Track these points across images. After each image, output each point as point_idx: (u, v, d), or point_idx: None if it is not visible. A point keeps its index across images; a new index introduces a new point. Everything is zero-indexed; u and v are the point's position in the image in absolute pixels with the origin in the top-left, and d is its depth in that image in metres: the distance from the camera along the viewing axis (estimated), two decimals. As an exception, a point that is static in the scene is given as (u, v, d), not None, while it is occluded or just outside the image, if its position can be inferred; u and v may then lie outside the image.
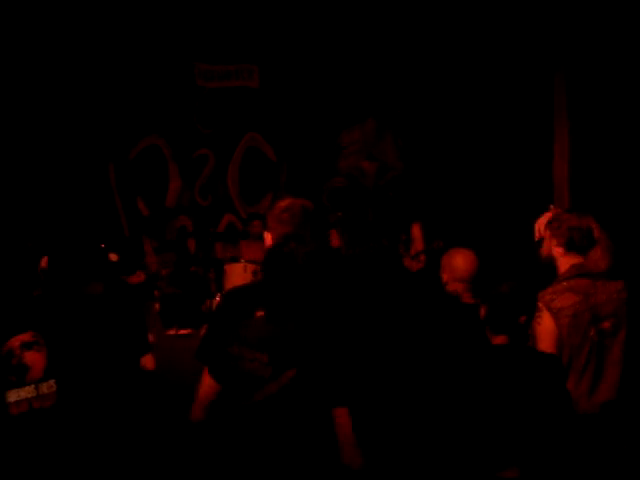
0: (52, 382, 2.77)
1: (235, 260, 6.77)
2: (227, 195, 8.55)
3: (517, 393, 2.79)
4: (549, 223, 3.60)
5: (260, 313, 2.76)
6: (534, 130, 7.31)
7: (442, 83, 7.99)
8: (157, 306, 3.86)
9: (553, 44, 7.15)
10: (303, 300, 2.74)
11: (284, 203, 3.21)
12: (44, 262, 3.28)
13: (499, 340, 2.95)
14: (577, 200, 7.03)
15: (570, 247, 3.48)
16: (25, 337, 2.76)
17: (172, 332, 3.56)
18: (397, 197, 8.49)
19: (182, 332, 3.56)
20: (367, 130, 9.01)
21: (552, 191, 7.22)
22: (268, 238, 3.18)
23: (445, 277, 3.84)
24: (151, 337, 3.60)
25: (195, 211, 8.37)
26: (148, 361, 3.39)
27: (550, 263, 3.55)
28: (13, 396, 2.72)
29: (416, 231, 7.60)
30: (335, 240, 4.78)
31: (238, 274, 6.48)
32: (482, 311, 3.02)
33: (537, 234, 3.72)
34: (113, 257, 4.95)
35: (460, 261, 3.82)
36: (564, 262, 3.49)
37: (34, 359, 2.76)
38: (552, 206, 3.91)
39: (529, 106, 7.30)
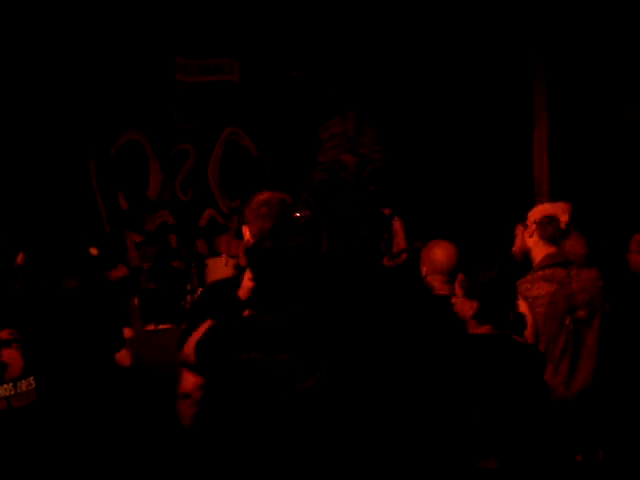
0: (31, 379, 2.76)
1: (216, 254, 6.76)
2: (208, 190, 8.52)
3: (497, 383, 2.81)
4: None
5: (253, 314, 2.71)
6: (514, 123, 7.34)
7: (422, 77, 8.00)
8: (136, 301, 3.85)
9: (532, 37, 7.17)
10: (298, 296, 2.70)
11: (262, 197, 3.18)
12: (20, 258, 3.26)
13: (483, 330, 2.96)
14: (557, 192, 7.08)
15: (544, 237, 3.52)
16: (2, 334, 2.74)
17: (151, 327, 3.55)
18: (378, 190, 8.50)
19: (161, 327, 3.54)
20: (347, 124, 9.01)
21: (532, 183, 7.26)
22: (246, 232, 3.16)
23: (424, 270, 3.85)
24: (130, 332, 3.59)
25: (176, 206, 8.34)
26: (123, 357, 3.38)
27: (525, 254, 3.58)
28: (-9, 394, 2.70)
29: (397, 226, 7.63)
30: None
31: (220, 268, 6.47)
32: (454, 300, 3.04)
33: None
34: (93, 251, 4.93)
35: (439, 254, 3.81)
36: (539, 252, 3.52)
37: (12, 357, 2.75)
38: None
39: (509, 99, 7.33)
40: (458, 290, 3.02)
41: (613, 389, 3.57)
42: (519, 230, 3.63)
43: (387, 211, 6.56)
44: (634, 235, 4.37)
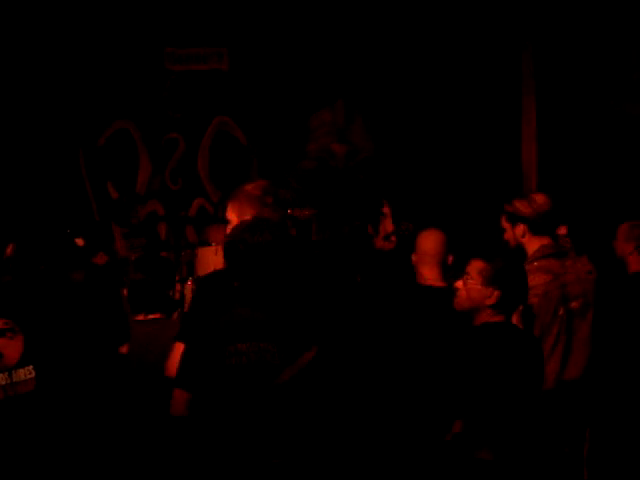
0: (30, 368, 2.77)
1: (206, 244, 6.77)
2: (198, 179, 8.52)
3: (507, 373, 2.78)
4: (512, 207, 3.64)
5: (240, 305, 2.72)
6: (502, 112, 7.37)
7: (410, 65, 8.02)
8: (125, 291, 3.86)
9: (522, 27, 7.20)
10: (275, 288, 2.72)
11: (250, 185, 3.19)
12: (10, 249, 3.27)
13: (498, 318, 2.89)
14: (544, 182, 7.12)
15: (536, 229, 3.55)
16: (-4, 324, 2.76)
17: (141, 317, 3.56)
18: (367, 179, 8.53)
19: (151, 317, 3.55)
20: (337, 112, 9.01)
21: (520, 173, 7.31)
22: (234, 219, 3.14)
23: (414, 258, 3.90)
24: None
25: (165, 195, 8.34)
26: (125, 349, 3.40)
27: (518, 245, 3.61)
28: (-14, 384, 2.72)
29: (385, 210, 7.65)
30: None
31: (210, 258, 6.48)
32: (468, 286, 3.00)
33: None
34: (79, 242, 4.93)
35: (427, 241, 3.87)
36: (533, 243, 3.55)
37: (6, 346, 2.76)
38: None
39: (497, 88, 7.36)
40: (476, 277, 2.91)
41: (603, 380, 3.61)
42: (504, 222, 3.66)
43: (409, 227, 6.61)
44: (620, 224, 4.41)
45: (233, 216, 3.16)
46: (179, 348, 2.91)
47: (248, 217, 3.06)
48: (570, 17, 6.78)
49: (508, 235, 3.66)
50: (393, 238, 7.05)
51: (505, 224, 3.68)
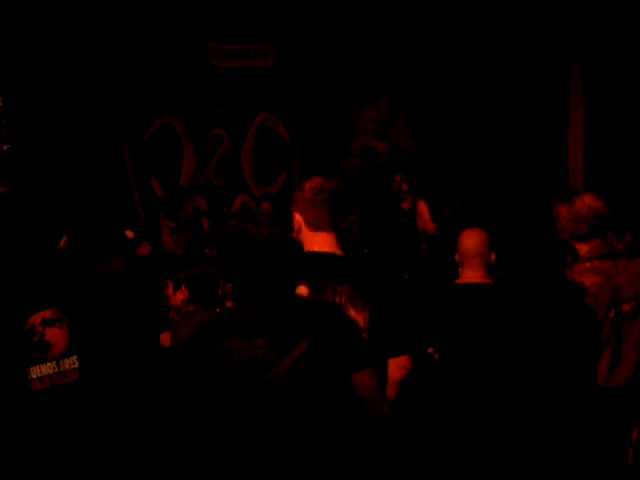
0: (74, 358, 2.80)
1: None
2: (241, 175, 8.57)
3: None
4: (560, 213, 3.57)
5: (230, 303, 2.70)
6: (549, 113, 7.30)
7: (457, 64, 7.97)
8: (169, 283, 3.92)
9: (569, 28, 7.12)
10: (271, 287, 2.69)
11: (314, 183, 2.99)
12: (63, 242, 3.31)
13: None
14: (591, 182, 7.04)
15: (585, 236, 3.48)
16: (46, 314, 2.79)
17: (191, 308, 3.61)
18: (410, 177, 8.50)
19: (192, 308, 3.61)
20: (380, 111, 9.00)
21: (567, 174, 7.23)
22: (299, 220, 2.98)
23: (457, 257, 3.87)
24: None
25: (209, 191, 8.39)
26: (165, 338, 3.42)
27: (569, 245, 3.55)
28: (35, 372, 2.75)
29: (422, 207, 7.61)
30: None
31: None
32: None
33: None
34: (129, 234, 4.98)
35: (469, 240, 3.84)
36: (584, 246, 3.48)
37: (55, 336, 2.79)
38: None
39: (544, 89, 7.29)
40: None
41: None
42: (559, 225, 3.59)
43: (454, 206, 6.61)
44: None
45: (301, 215, 3.00)
46: None
47: (296, 213, 3.01)
48: (617, 18, 6.70)
49: (561, 237, 3.59)
50: (431, 228, 7.02)
51: (556, 226, 3.62)
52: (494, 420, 3.23)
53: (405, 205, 7.53)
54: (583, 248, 3.48)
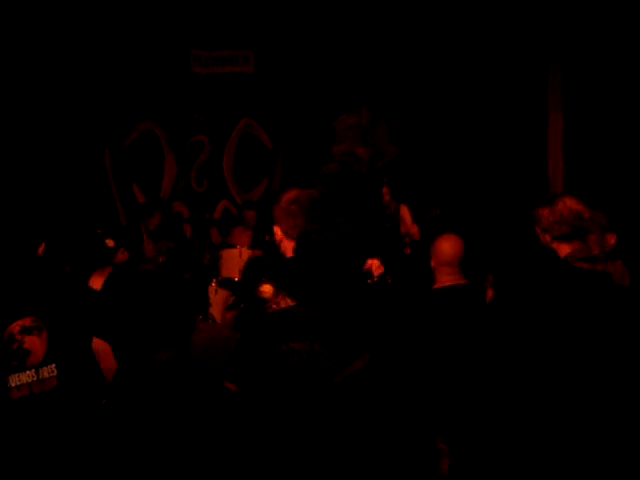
0: (53, 366, 2.80)
1: (230, 246, 6.79)
2: (222, 181, 8.56)
3: None
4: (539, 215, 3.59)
5: (293, 305, 2.67)
6: (528, 118, 7.33)
7: (436, 69, 8.00)
8: None
9: (548, 32, 7.16)
10: (338, 288, 2.69)
11: (290, 195, 3.06)
12: (41, 249, 3.29)
13: None
14: (571, 186, 7.08)
15: (567, 237, 3.50)
16: (25, 322, 2.79)
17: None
18: (391, 182, 8.52)
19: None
20: (362, 116, 9.02)
21: (547, 175, 7.26)
22: (278, 232, 3.09)
23: (433, 263, 3.91)
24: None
25: (191, 197, 8.39)
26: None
27: (550, 248, 3.57)
28: (14, 381, 2.74)
29: (404, 213, 7.64)
30: None
31: (234, 260, 6.50)
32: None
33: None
34: (110, 243, 4.96)
35: (446, 246, 3.87)
36: (565, 247, 3.50)
37: (34, 344, 2.78)
38: None
39: (524, 94, 7.32)
40: None
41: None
42: (539, 228, 3.62)
43: (436, 212, 6.65)
44: None
45: (279, 227, 3.10)
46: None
47: (276, 225, 3.04)
48: (598, 17, 6.74)
49: (542, 239, 3.61)
50: (407, 240, 7.04)
51: (537, 229, 3.63)
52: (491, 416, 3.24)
53: (388, 211, 7.55)
54: (564, 250, 3.49)
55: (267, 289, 2.79)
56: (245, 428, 2.53)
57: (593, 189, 6.57)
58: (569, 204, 3.50)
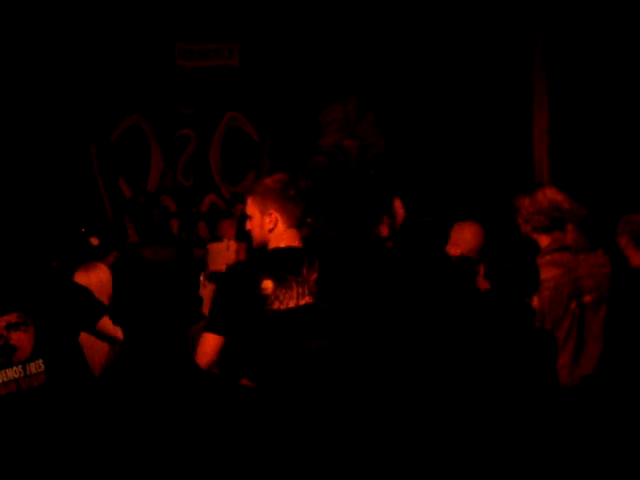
0: (40, 362, 2.79)
1: (218, 239, 6.78)
2: (209, 175, 8.55)
3: (512, 368, 2.78)
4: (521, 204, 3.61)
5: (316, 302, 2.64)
6: (514, 106, 7.35)
7: (421, 60, 8.00)
8: None
9: (532, 15, 7.17)
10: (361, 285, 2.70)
11: (270, 179, 3.06)
12: (27, 245, 3.28)
13: None
14: (557, 175, 7.10)
15: (546, 228, 3.52)
16: (11, 318, 2.78)
17: None
18: (379, 174, 8.53)
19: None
20: (348, 108, 9.01)
21: (532, 166, 7.28)
22: (256, 214, 3.03)
23: (456, 251, 3.89)
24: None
25: (177, 191, 8.37)
26: None
27: (531, 238, 3.59)
28: (1, 377, 2.73)
29: (398, 206, 7.64)
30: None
31: (221, 253, 6.49)
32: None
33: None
34: (94, 241, 4.94)
35: (469, 234, 3.88)
36: (545, 238, 3.52)
37: (21, 339, 2.77)
38: None
39: (509, 82, 7.33)
40: None
41: (617, 377, 3.56)
42: (517, 217, 3.64)
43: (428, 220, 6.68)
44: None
45: (255, 211, 3.05)
46: (208, 338, 3.07)
47: (271, 211, 3.01)
48: (582, 10, 6.75)
49: (523, 229, 3.63)
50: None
51: (518, 219, 3.65)
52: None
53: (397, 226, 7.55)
54: (544, 240, 3.52)
55: (268, 285, 2.78)
56: (259, 424, 2.51)
57: (579, 177, 6.60)
58: (549, 194, 3.52)
